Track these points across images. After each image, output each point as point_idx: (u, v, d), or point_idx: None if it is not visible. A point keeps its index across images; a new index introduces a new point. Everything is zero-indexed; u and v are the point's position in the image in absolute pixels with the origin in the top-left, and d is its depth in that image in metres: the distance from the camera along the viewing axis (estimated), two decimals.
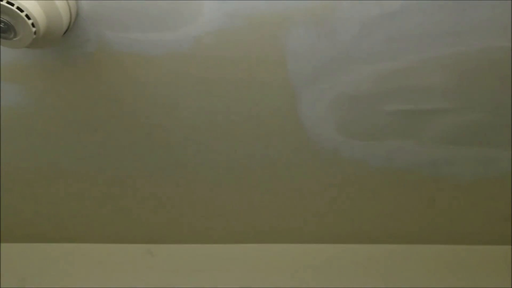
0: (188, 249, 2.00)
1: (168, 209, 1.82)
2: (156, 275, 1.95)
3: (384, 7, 1.08)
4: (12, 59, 1.26)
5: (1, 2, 0.97)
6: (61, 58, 1.26)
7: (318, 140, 1.48)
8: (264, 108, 1.38)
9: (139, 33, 1.18)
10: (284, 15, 1.13)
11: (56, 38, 1.11)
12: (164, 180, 1.68)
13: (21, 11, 0.99)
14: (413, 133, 1.42)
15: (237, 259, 2.00)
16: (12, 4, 0.98)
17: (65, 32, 1.12)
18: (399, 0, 1.07)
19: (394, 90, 1.29)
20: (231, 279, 1.93)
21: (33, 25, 1.01)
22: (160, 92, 1.35)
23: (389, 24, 1.12)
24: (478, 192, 1.61)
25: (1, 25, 1.00)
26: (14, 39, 1.03)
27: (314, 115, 1.40)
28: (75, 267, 1.95)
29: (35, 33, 1.02)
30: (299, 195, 1.72)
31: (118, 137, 1.51)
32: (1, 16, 0.98)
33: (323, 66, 1.25)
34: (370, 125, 1.41)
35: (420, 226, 1.82)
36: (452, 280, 1.85)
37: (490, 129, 1.37)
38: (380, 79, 1.27)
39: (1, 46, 1.15)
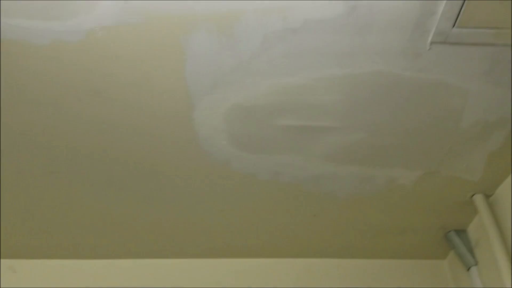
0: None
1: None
2: None
3: (287, 22, 1.10)
4: None
5: None
6: None
7: (211, 151, 1.44)
8: (158, 113, 1.31)
9: (23, 19, 1.04)
10: (187, 17, 1.09)
11: None
12: (36, 187, 1.51)
13: None
14: (302, 149, 1.46)
15: (111, 275, 1.88)
16: None
17: None
18: (303, 16, 1.08)
19: (288, 106, 1.32)
20: None
21: None
22: (41, 87, 1.21)
23: (290, 39, 1.14)
24: (354, 207, 1.70)
25: None
26: None
27: (209, 124, 1.37)
28: None
29: None
30: (188, 206, 1.66)
31: None
32: None
33: (222, 75, 1.23)
34: (262, 139, 1.42)
35: (303, 239, 1.87)
36: None
37: (369, 150, 1.46)
38: (276, 94, 1.28)
39: None
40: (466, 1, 1.05)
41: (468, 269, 1.79)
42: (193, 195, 1.62)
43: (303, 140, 1.43)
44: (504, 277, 1.50)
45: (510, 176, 1.58)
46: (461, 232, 1.86)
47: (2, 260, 1.81)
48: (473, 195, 1.67)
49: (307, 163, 1.51)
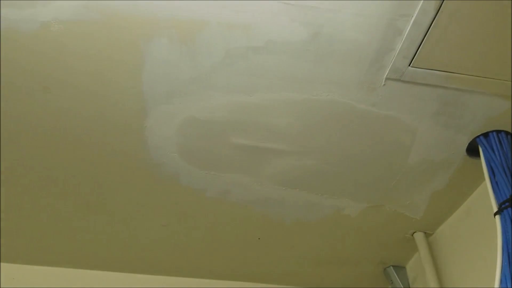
0: None
1: None
2: None
3: (251, 40, 1.10)
4: None
5: None
6: None
7: (160, 162, 1.41)
8: (109, 117, 1.27)
9: None
10: (149, 21, 1.07)
11: None
12: None
13: None
14: (253, 169, 1.45)
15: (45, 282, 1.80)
16: None
17: None
18: (266, 36, 1.09)
19: (243, 124, 1.31)
20: None
21: None
22: None
23: (252, 57, 1.14)
24: (299, 233, 1.70)
25: None
26: None
27: (161, 135, 1.34)
28: None
29: None
30: (130, 217, 1.61)
31: None
32: None
33: (180, 85, 1.21)
34: (214, 155, 1.40)
35: (245, 262, 1.84)
36: None
37: (319, 177, 1.48)
38: (232, 111, 1.28)
39: None
40: (423, 43, 1.09)
41: None
42: (137, 206, 1.57)
43: (254, 161, 1.42)
44: None
45: (451, 217, 1.62)
46: (400, 269, 1.90)
47: None
48: (414, 232, 1.71)
49: (256, 185, 1.50)
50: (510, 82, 1.18)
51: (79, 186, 1.49)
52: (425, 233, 1.70)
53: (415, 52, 1.11)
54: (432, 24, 1.06)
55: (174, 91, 1.22)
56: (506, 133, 1.32)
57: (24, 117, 1.26)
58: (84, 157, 1.39)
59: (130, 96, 1.23)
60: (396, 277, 1.87)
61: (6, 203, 1.53)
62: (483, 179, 1.40)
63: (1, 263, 1.78)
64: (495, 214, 1.22)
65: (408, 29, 1.07)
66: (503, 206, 1.21)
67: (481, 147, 1.33)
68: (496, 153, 1.29)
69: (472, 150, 1.37)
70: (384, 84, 1.19)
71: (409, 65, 1.14)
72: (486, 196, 1.33)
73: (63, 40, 1.09)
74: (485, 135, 1.32)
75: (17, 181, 1.46)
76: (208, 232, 1.70)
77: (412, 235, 1.72)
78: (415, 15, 1.04)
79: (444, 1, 1.01)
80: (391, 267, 1.89)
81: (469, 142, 1.35)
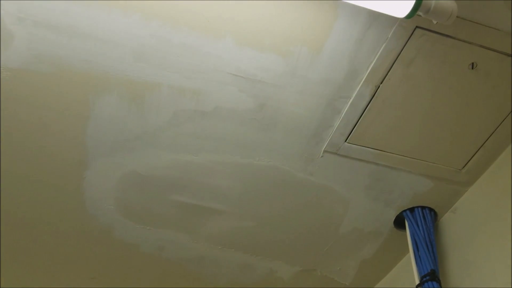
0: None
1: None
2: None
3: (199, 104, 1.15)
4: None
5: None
6: None
7: (95, 214, 1.39)
8: (48, 165, 1.25)
9: None
10: (101, 77, 1.09)
11: None
12: None
13: None
14: (190, 227, 1.46)
15: None
16: None
17: None
18: (215, 103, 1.14)
19: (184, 183, 1.33)
20: None
21: None
22: None
23: (199, 121, 1.18)
24: None
25: None
26: None
27: (99, 187, 1.33)
28: None
29: None
30: (59, 266, 1.54)
31: None
32: None
33: (125, 141, 1.22)
34: (151, 210, 1.40)
35: None
36: None
37: (254, 239, 1.50)
38: (175, 169, 1.29)
39: None
40: (358, 122, 1.18)
41: None
42: (67, 255, 1.51)
43: (192, 219, 1.43)
44: None
45: (377, 285, 1.69)
46: None
47: None
48: None
49: (192, 243, 1.50)
50: (433, 164, 1.29)
51: (8, 231, 1.42)
52: None
53: (351, 130, 1.20)
54: (367, 107, 1.15)
55: (118, 146, 1.23)
56: (430, 209, 1.42)
57: None
58: (18, 202, 1.34)
59: (72, 146, 1.22)
60: None
61: None
62: (408, 251, 1.49)
63: None
64: (416, 287, 1.29)
65: (346, 109, 1.16)
66: (424, 279, 1.28)
67: (407, 220, 1.42)
68: (420, 228, 1.38)
69: (399, 222, 1.46)
70: (322, 156, 1.26)
71: (345, 141, 1.22)
72: (410, 268, 1.41)
73: (10, 87, 1.08)
74: (411, 210, 1.42)
75: None
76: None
77: None
78: (353, 97, 1.13)
79: (379, 88, 1.11)
80: None
81: (396, 215, 1.44)
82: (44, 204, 1.36)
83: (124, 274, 1.61)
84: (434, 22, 0.90)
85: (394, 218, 1.45)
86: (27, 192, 1.33)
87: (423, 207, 1.42)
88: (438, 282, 1.26)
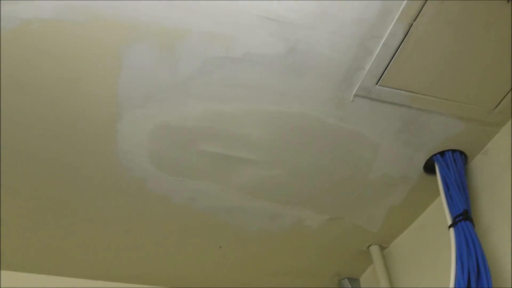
0: None
1: None
2: None
3: (229, 51, 1.14)
4: None
5: None
6: None
7: (128, 166, 1.41)
8: (81, 118, 1.27)
9: None
10: (131, 25, 1.09)
11: None
12: None
13: None
14: (220, 177, 1.47)
15: None
16: None
17: None
18: (245, 49, 1.13)
19: (214, 132, 1.34)
20: None
21: None
22: None
23: (229, 68, 1.18)
24: (260, 244, 1.73)
25: None
26: None
27: (132, 139, 1.34)
28: None
29: None
30: (93, 219, 1.58)
31: None
32: None
33: (157, 91, 1.23)
34: (183, 161, 1.41)
35: (203, 270, 1.85)
36: None
37: (283, 188, 1.52)
38: (206, 119, 1.30)
39: None
40: (390, 63, 1.17)
41: None
42: (101, 209, 1.55)
43: (222, 169, 1.45)
44: None
45: (406, 231, 1.70)
46: (354, 281, 1.96)
47: None
48: (370, 245, 1.78)
49: (222, 193, 1.52)
50: (465, 105, 1.27)
51: (45, 185, 1.45)
52: (380, 246, 1.78)
53: (382, 71, 1.18)
54: (400, 47, 1.14)
55: (149, 96, 1.23)
56: (461, 152, 1.41)
57: None
58: (53, 156, 1.36)
59: (105, 98, 1.23)
60: None
61: None
62: (438, 195, 1.49)
63: None
64: (449, 227, 1.30)
65: (378, 50, 1.14)
66: (457, 219, 1.29)
67: (437, 164, 1.41)
68: (451, 170, 1.38)
69: (428, 167, 1.46)
70: (352, 100, 1.26)
71: (377, 84, 1.21)
72: (440, 211, 1.42)
73: (42, 38, 1.09)
74: (441, 153, 1.41)
75: None
76: (170, 239, 1.70)
77: (368, 248, 1.79)
78: (385, 37, 1.11)
79: (412, 26, 1.09)
80: (346, 279, 1.95)
81: (426, 159, 1.44)
82: (77, 158, 1.38)
83: (156, 226, 1.64)
84: None
85: (424, 163, 1.45)
86: (60, 147, 1.34)
87: (453, 151, 1.41)
88: (471, 221, 1.27)
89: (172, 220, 1.62)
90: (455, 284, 1.20)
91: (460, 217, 1.28)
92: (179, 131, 1.32)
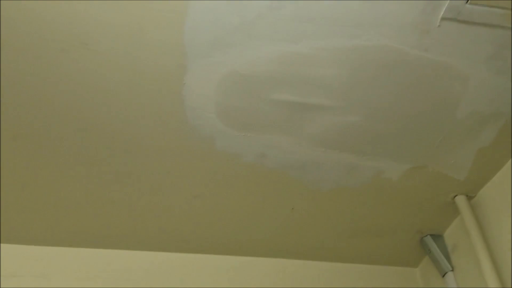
0: None
1: None
2: None
3: None
4: None
5: None
6: None
7: (196, 124, 1.34)
8: (146, 74, 1.20)
9: None
10: None
11: None
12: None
13: None
14: (292, 129, 1.39)
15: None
16: None
17: None
18: None
19: (285, 78, 1.25)
20: None
21: None
22: (19, 33, 1.08)
23: (299, 0, 1.07)
24: (336, 201, 1.63)
25: None
26: None
27: (199, 92, 1.27)
28: None
29: None
30: (159, 187, 1.54)
31: None
32: None
33: (223, 35, 1.15)
34: (252, 114, 1.33)
35: (277, 236, 1.77)
36: None
37: (361, 136, 1.41)
38: (276, 62, 1.21)
39: None
40: None
41: (444, 276, 1.75)
42: (167, 174, 1.49)
43: (294, 119, 1.36)
44: (488, 280, 1.46)
45: (495, 177, 1.56)
46: (438, 237, 1.84)
47: None
48: (455, 196, 1.65)
49: (295, 146, 1.43)
50: None
51: (102, 149, 1.40)
52: (467, 196, 1.64)
53: None
54: None
55: (216, 42, 1.15)
56: None
57: (60, 76, 1.19)
58: (113, 116, 1.31)
59: (170, 49, 1.16)
60: (435, 246, 1.80)
61: (17, 172, 1.44)
62: None
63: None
64: None
65: None
66: None
67: None
68: None
69: None
70: (439, 25, 1.13)
71: (467, 2, 1.08)
72: None
73: None
74: None
75: (34, 143, 1.37)
76: (240, 203, 1.63)
77: (453, 198, 1.66)
78: None
79: None
80: (429, 236, 1.83)
81: None
82: (140, 120, 1.33)
83: (226, 189, 1.58)
84: None
85: None
86: (121, 107, 1.29)
87: None
88: None
89: (242, 181, 1.55)
90: None
91: None
92: (248, 79, 1.24)
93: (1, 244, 1.66)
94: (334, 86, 1.26)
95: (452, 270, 1.73)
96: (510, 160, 1.50)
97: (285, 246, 1.85)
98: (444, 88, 1.28)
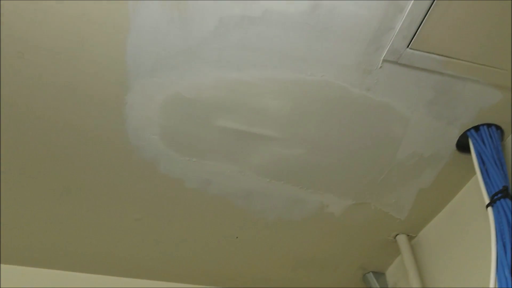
0: None
1: None
2: None
3: (247, 8, 1.05)
4: None
5: None
6: None
7: (138, 145, 1.32)
8: (87, 89, 1.18)
9: None
10: None
11: None
12: None
13: None
14: (237, 157, 1.38)
15: None
16: None
17: None
18: (264, 6, 1.04)
19: (231, 105, 1.24)
20: None
21: None
22: None
23: (247, 28, 1.08)
24: (281, 232, 1.63)
25: None
26: None
27: (142, 113, 1.25)
28: None
29: None
30: (103, 211, 1.49)
31: None
32: None
33: (167, 56, 1.14)
34: (197, 139, 1.32)
35: (219, 264, 1.74)
36: None
37: (306, 168, 1.41)
38: (221, 89, 1.21)
39: None
40: (423, 23, 1.06)
41: None
42: (108, 195, 1.45)
43: (240, 148, 1.35)
44: None
45: (436, 217, 1.58)
46: (380, 275, 1.84)
47: None
48: (396, 235, 1.66)
49: (240, 175, 1.43)
50: (503, 71, 1.16)
51: (45, 167, 1.36)
52: (408, 235, 1.66)
53: (414, 32, 1.08)
54: (433, 4, 1.03)
55: (160, 63, 1.14)
56: (497, 127, 1.30)
57: None
58: (54, 135, 1.28)
59: (112, 66, 1.14)
60: (377, 283, 1.81)
61: None
62: (471, 175, 1.39)
63: None
64: (487, 206, 1.19)
65: (409, 7, 1.04)
66: (495, 197, 1.18)
67: (471, 140, 1.30)
68: (487, 146, 1.27)
69: (462, 145, 1.34)
70: (381, 67, 1.15)
71: (408, 47, 1.11)
72: (474, 193, 1.31)
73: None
74: (476, 128, 1.30)
75: None
76: (183, 229, 1.60)
77: (395, 237, 1.67)
78: None
79: None
80: (371, 274, 1.83)
81: (459, 135, 1.32)
82: (81, 137, 1.30)
83: (169, 213, 1.55)
84: None
85: (457, 139, 1.34)
86: (64, 122, 1.26)
87: (489, 125, 1.30)
88: None
89: (185, 206, 1.53)
90: (497, 266, 1.08)
91: (500, 195, 1.17)
92: (192, 103, 1.23)
93: None
94: (278, 117, 1.27)
95: None
96: (450, 203, 1.53)
97: (228, 275, 1.82)
98: (385, 128, 1.30)
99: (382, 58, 1.14)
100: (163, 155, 1.36)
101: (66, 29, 1.07)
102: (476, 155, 1.28)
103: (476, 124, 1.30)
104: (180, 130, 1.29)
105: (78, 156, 1.35)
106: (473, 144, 1.30)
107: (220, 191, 1.47)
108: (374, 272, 1.84)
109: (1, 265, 1.66)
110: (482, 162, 1.27)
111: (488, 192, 1.21)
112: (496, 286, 1.05)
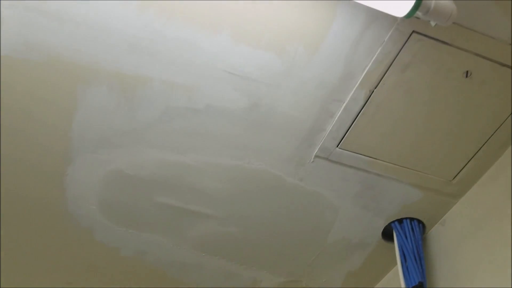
0: None
1: None
2: None
3: (191, 101, 1.12)
4: None
5: None
6: None
7: (76, 214, 1.34)
8: (30, 158, 1.20)
9: None
10: (91, 67, 1.06)
11: None
12: None
13: None
14: (174, 231, 1.42)
15: None
16: None
17: None
18: (207, 101, 1.12)
19: (170, 184, 1.29)
20: None
21: None
22: None
23: (190, 118, 1.15)
24: None
25: None
26: None
27: (82, 184, 1.28)
28: None
29: None
30: (36, 274, 1.47)
31: None
32: None
33: (112, 136, 1.19)
34: (135, 212, 1.36)
35: None
36: None
37: (240, 246, 1.46)
38: (162, 169, 1.26)
39: None
40: (351, 127, 1.17)
41: None
42: (42, 256, 1.44)
43: (176, 222, 1.39)
44: None
45: None
46: None
47: None
48: None
49: (176, 248, 1.46)
50: (423, 174, 1.27)
51: None
52: None
53: (343, 135, 1.18)
54: (361, 112, 1.14)
55: (104, 141, 1.19)
56: (419, 221, 1.40)
57: None
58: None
59: (56, 139, 1.18)
60: None
61: None
62: (395, 263, 1.46)
63: None
64: None
65: (339, 113, 1.15)
66: None
67: (395, 232, 1.40)
68: (409, 239, 1.36)
69: (387, 234, 1.44)
70: (312, 161, 1.24)
71: (337, 147, 1.21)
72: (396, 281, 1.39)
73: None
74: (400, 221, 1.40)
75: None
76: None
77: None
78: (347, 101, 1.12)
79: (373, 93, 1.10)
80: None
81: (384, 226, 1.42)
82: (21, 200, 1.31)
83: (103, 279, 1.54)
84: (433, 24, 0.90)
85: (382, 229, 1.43)
86: (6, 185, 1.27)
87: (411, 219, 1.40)
88: None
89: (120, 274, 1.53)
90: None
91: None
92: (133, 180, 1.27)
93: None
94: (216, 197, 1.33)
95: None
96: (376, 285, 1.60)
97: None
98: (317, 214, 1.38)
99: (314, 154, 1.23)
100: (100, 224, 1.38)
101: (16, 104, 1.11)
102: (398, 248, 1.37)
103: (400, 217, 1.40)
104: (119, 203, 1.33)
105: (17, 214, 1.35)
106: (396, 236, 1.39)
107: (155, 261, 1.49)
108: None
109: None
110: (403, 255, 1.35)
111: (407, 285, 1.30)
112: None
